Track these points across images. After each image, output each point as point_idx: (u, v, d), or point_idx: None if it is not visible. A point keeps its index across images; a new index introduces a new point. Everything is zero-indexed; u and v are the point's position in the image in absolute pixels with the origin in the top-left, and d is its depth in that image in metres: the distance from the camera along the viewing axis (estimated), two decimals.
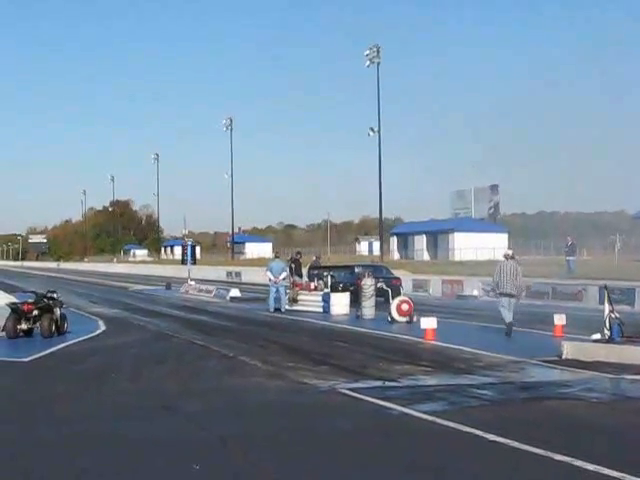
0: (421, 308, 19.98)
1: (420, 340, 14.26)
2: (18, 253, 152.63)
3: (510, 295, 15.15)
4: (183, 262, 39.66)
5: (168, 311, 24.06)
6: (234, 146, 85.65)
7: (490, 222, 76.30)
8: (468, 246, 62.39)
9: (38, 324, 15.24)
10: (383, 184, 60.37)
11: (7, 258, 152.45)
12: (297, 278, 23.83)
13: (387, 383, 9.81)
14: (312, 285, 23.28)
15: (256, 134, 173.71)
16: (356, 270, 26.02)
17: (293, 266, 23.87)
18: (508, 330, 14.83)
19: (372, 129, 60.53)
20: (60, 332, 15.61)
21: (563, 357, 11.38)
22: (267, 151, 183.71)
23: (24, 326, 15.18)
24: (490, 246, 57.74)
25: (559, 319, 14.77)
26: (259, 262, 63.61)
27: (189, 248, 38.31)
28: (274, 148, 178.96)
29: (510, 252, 15.89)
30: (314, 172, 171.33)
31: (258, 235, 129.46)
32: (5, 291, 21.01)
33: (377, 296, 20.22)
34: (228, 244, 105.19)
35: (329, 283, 22.43)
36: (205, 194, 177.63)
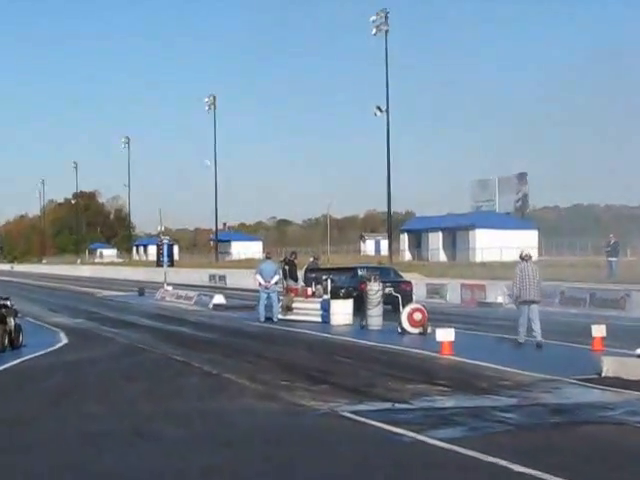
0: (436, 317, 20.14)
1: (435, 355, 14.30)
2: None
3: (535, 302, 15.51)
4: (158, 264, 39.75)
5: (141, 321, 24.16)
6: (218, 129, 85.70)
7: (517, 217, 76.45)
8: (492, 245, 62.39)
9: None
10: (392, 172, 60.49)
11: None
12: (291, 282, 23.91)
13: (397, 405, 9.83)
14: (309, 290, 23.34)
15: (244, 115, 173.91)
16: (360, 273, 26.16)
17: (287, 268, 23.93)
18: (521, 346, 15.26)
19: (379, 108, 60.60)
20: (14, 346, 15.65)
21: (603, 375, 11.46)
22: (257, 135, 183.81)
23: None
24: (517, 245, 57.66)
25: (598, 330, 14.85)
26: (247, 264, 63.62)
27: (165, 247, 38.39)
28: (265, 131, 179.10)
29: (528, 252, 16.09)
30: (312, 159, 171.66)
31: (246, 232, 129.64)
32: None
33: (385, 303, 20.31)
34: (211, 243, 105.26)
35: (329, 288, 22.56)
36: (184, 184, 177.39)
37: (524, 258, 15.78)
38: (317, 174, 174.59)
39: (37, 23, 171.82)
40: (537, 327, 15.38)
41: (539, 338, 15.26)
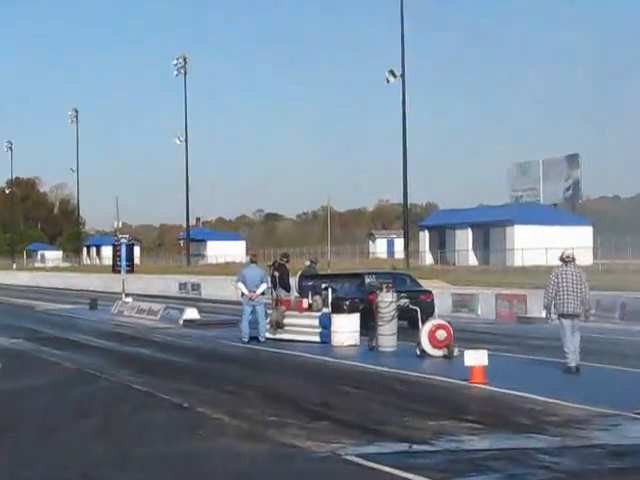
0: (464, 336, 19.99)
1: (463, 383, 14.33)
2: None
3: (574, 316, 15.67)
4: (115, 269, 39.64)
5: (93, 341, 24.09)
6: (190, 99, 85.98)
7: (567, 209, 76.49)
8: (534, 245, 62.35)
9: None
10: (409, 154, 60.50)
11: None
12: (283, 292, 23.64)
13: (415, 447, 9.87)
14: (305, 303, 23.20)
15: (223, 83, 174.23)
16: (368, 280, 26.07)
17: (277, 275, 23.65)
18: (571, 368, 15.42)
19: (392, 73, 60.73)
20: None
21: None
22: (239, 108, 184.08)
23: None
24: (566, 244, 57.55)
25: None
26: (227, 269, 63.54)
27: (124, 248, 38.32)
28: (250, 103, 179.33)
29: (571, 253, 16.19)
30: (307, 139, 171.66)
31: (226, 230, 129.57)
32: None
33: (400, 319, 20.38)
34: (181, 243, 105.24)
35: (329, 300, 22.47)
36: (147, 169, 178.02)
37: (565, 260, 15.85)
38: (315, 157, 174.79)
39: None
40: (576, 348, 15.57)
41: (574, 362, 15.50)
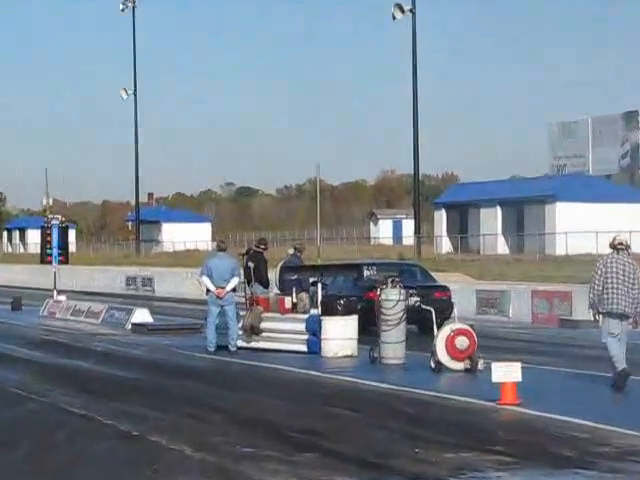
0: (492, 344, 20.29)
1: (490, 405, 14.39)
2: None
3: (623, 316, 15.84)
4: (44, 259, 39.53)
5: (17, 351, 24.11)
6: (140, 42, 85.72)
7: (624, 182, 76.35)
8: (582, 228, 62.21)
9: None
10: (421, 112, 60.34)
11: None
12: (259, 289, 23.74)
13: None
14: (287, 302, 23.33)
15: (183, 22, 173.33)
16: (368, 273, 26.22)
17: (252, 266, 23.69)
18: (619, 381, 15.56)
19: (400, 7, 60.65)
20: None
21: None
22: (202, 55, 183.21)
23: None
24: (622, 227, 57.48)
25: None
26: (188, 259, 63.38)
27: (56, 232, 38.22)
28: (217, 49, 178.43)
29: (624, 239, 16.30)
30: (290, 91, 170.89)
31: (187, 208, 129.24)
32: None
33: (409, 322, 20.53)
34: (129, 225, 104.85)
35: (319, 298, 22.39)
36: (85, 132, 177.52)
37: (617, 247, 16.00)
38: (300, 117, 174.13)
39: None
40: (623, 355, 15.77)
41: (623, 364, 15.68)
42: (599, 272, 15.89)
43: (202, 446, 11.74)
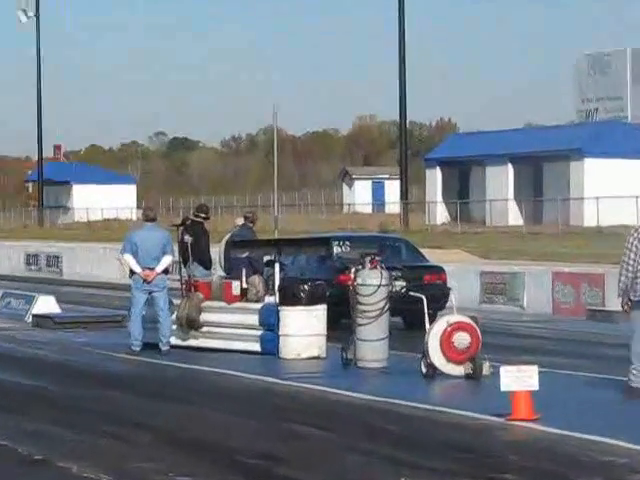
0: (500, 342, 20.56)
1: (499, 421, 13.74)
2: None
3: None
4: None
5: None
6: None
7: None
8: (617, 191, 59.32)
9: None
10: (409, 41, 57.18)
11: None
12: (199, 270, 22.69)
13: None
14: (236, 287, 22.14)
15: None
16: (339, 250, 25.88)
17: (189, 241, 22.49)
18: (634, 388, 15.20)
19: None
20: None
21: None
22: None
23: None
24: None
25: None
26: (106, 232, 62.91)
27: None
28: None
29: None
30: (243, 19, 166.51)
31: (104, 165, 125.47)
32: None
33: (393, 314, 20.19)
34: (29, 187, 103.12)
35: (277, 282, 21.42)
36: None
37: None
38: (254, 49, 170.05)
39: None
40: None
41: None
42: (627, 255, 15.26)
43: (125, 474, 11.15)
